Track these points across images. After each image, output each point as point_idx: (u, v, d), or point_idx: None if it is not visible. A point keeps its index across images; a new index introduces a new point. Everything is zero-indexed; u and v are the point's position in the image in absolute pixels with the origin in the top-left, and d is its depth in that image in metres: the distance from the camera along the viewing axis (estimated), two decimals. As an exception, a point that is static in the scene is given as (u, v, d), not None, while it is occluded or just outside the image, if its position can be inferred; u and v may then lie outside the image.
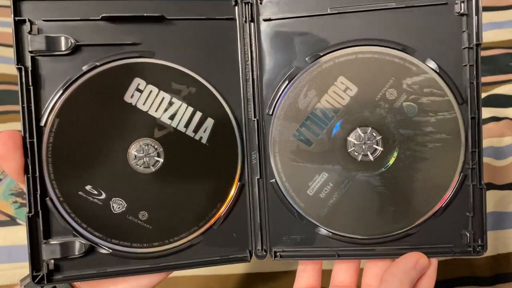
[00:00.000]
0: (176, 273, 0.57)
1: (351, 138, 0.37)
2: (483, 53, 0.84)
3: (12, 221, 0.62)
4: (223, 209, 0.38)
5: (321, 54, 0.37)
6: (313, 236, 0.39)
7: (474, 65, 0.34)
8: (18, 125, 0.76)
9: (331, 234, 0.39)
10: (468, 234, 0.36)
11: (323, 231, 0.39)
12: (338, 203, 0.38)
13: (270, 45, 0.37)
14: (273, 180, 0.39)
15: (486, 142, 0.68)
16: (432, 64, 0.35)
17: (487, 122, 0.72)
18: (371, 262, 0.39)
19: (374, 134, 0.36)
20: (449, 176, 0.36)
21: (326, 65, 0.37)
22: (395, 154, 0.36)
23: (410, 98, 0.36)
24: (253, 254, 0.40)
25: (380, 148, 0.37)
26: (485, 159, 0.66)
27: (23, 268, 0.58)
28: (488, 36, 0.88)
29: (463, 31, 0.35)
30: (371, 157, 0.37)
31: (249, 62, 0.38)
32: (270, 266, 0.57)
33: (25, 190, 0.35)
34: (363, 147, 0.37)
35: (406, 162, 0.36)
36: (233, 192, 0.38)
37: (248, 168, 0.39)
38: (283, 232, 0.40)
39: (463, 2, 0.35)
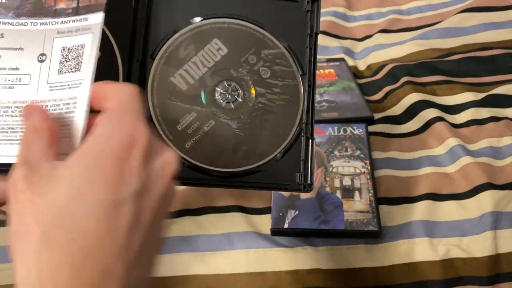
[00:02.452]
0: (175, 273, 0.58)
1: (219, 88, 0.46)
2: (483, 53, 0.85)
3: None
4: None
5: (203, 18, 0.46)
6: None
7: (313, 48, 0.46)
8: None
9: (191, 164, 0.45)
10: (299, 175, 0.45)
11: (186, 162, 0.45)
12: (202, 139, 0.46)
13: (164, 1, 0.46)
14: (147, 114, 0.45)
15: (485, 142, 0.68)
16: (284, 42, 0.46)
17: (486, 122, 0.72)
18: None
19: (237, 87, 0.46)
20: (289, 128, 0.45)
21: (205, 27, 0.46)
22: (251, 105, 0.46)
23: (266, 65, 0.46)
24: None
25: (240, 99, 0.46)
26: (485, 159, 0.66)
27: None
28: (487, 36, 0.88)
29: (307, 23, 0.47)
30: (232, 105, 0.46)
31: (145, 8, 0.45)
32: (270, 265, 0.57)
33: None
34: (227, 96, 0.46)
35: (258, 113, 0.46)
36: None
37: None
38: None
39: (309, 2, 0.47)
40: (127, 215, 0.25)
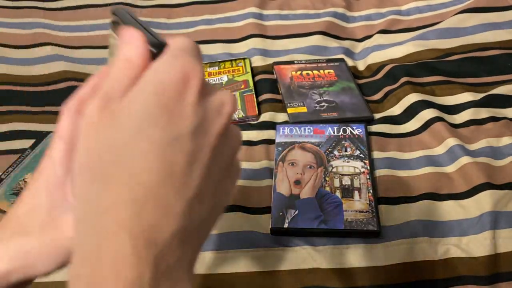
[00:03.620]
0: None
1: None
2: (482, 54, 0.85)
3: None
4: None
5: None
6: None
7: None
8: (19, 125, 0.76)
9: None
10: None
11: None
12: None
13: None
14: None
15: (484, 142, 0.69)
16: None
17: (485, 122, 0.72)
18: None
19: None
20: None
21: None
22: None
23: None
24: None
25: None
26: (484, 159, 0.66)
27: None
28: (486, 37, 0.88)
29: None
30: None
31: None
32: (270, 265, 0.57)
33: None
34: None
35: None
36: None
37: None
38: None
39: None
40: (185, 151, 0.24)
